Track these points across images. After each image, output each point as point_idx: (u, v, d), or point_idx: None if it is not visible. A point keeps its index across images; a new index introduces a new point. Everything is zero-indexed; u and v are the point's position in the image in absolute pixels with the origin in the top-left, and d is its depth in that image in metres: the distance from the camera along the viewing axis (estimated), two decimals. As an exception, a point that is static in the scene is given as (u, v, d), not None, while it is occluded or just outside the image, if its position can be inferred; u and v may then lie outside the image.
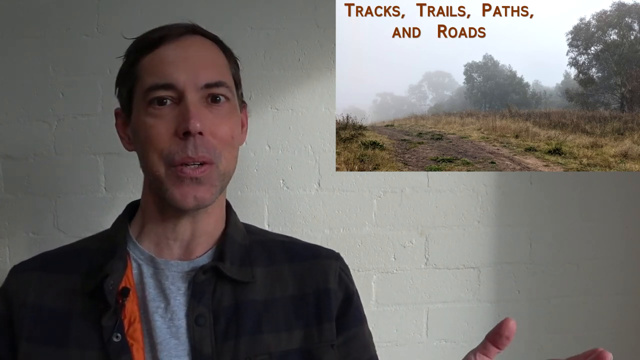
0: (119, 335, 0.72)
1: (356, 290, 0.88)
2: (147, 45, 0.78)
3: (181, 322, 0.75)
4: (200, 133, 0.73)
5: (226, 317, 0.76)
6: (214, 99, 0.76)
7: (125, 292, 0.74)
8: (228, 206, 0.87)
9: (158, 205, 0.79)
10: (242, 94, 0.86)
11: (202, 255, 0.80)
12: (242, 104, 0.87)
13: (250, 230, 0.89)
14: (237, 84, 0.83)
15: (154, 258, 0.78)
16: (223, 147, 0.76)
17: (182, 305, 0.75)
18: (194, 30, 0.80)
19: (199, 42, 0.79)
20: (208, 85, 0.75)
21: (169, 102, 0.74)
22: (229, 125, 0.77)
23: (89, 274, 0.77)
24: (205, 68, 0.76)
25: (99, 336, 0.73)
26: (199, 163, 0.73)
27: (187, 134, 0.72)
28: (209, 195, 0.75)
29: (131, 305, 0.75)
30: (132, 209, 0.86)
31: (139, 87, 0.77)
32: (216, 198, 0.77)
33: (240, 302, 0.78)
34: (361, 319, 0.88)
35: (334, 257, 0.88)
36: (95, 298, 0.74)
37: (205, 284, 0.77)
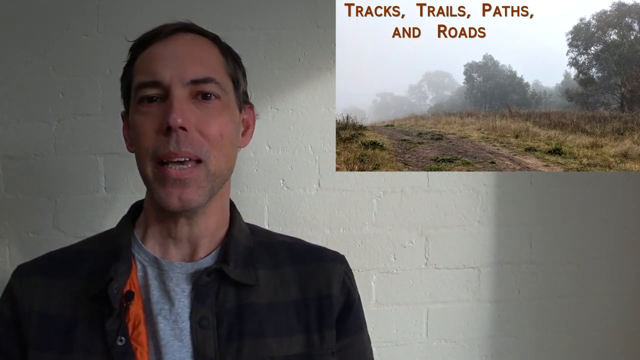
0: (122, 339, 0.72)
1: (358, 296, 0.87)
2: (140, 44, 0.78)
3: (185, 324, 0.74)
4: (184, 129, 0.71)
5: (229, 320, 0.76)
6: (205, 96, 0.75)
7: (129, 295, 0.74)
8: (233, 207, 0.86)
9: (157, 206, 0.78)
10: (245, 93, 0.85)
11: (206, 256, 0.80)
12: (246, 105, 0.85)
13: (254, 231, 0.88)
14: (236, 83, 0.81)
15: (158, 260, 0.78)
16: (211, 145, 0.74)
17: (186, 307, 0.75)
18: (187, 28, 0.79)
19: (189, 39, 0.78)
20: (195, 82, 0.74)
21: (157, 99, 0.74)
22: (218, 124, 0.75)
23: (93, 277, 0.77)
24: (192, 64, 0.75)
25: (103, 340, 0.72)
26: (183, 159, 0.72)
27: (169, 129, 0.71)
28: (196, 196, 0.73)
29: (136, 309, 0.74)
30: (136, 209, 0.85)
31: (132, 86, 0.77)
32: (206, 200, 0.75)
33: (243, 305, 0.77)
34: (360, 326, 0.87)
35: (338, 260, 0.87)
36: (99, 302, 0.74)
37: (209, 286, 0.76)
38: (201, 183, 0.73)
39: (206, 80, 0.75)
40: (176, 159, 0.72)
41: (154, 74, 0.74)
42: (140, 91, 0.74)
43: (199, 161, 0.73)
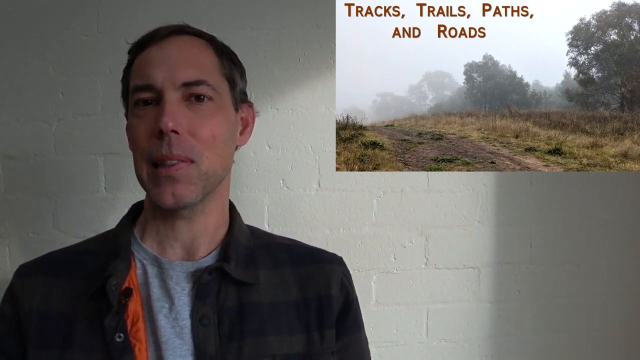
0: (121, 335, 0.72)
1: (356, 297, 0.88)
2: (136, 47, 0.79)
3: (185, 322, 0.75)
4: (176, 132, 0.72)
5: (230, 318, 0.76)
6: (198, 98, 0.76)
7: (128, 292, 0.75)
8: (232, 208, 0.87)
9: (156, 205, 0.79)
10: (242, 92, 0.85)
11: (207, 256, 0.80)
12: (244, 104, 0.85)
13: (254, 232, 0.88)
14: (232, 83, 0.82)
15: (158, 258, 0.79)
16: (203, 146, 0.75)
17: (187, 306, 0.76)
18: (181, 30, 0.80)
19: (183, 42, 0.79)
20: (186, 84, 0.75)
21: (152, 103, 0.75)
22: (210, 125, 0.76)
23: (93, 276, 0.77)
24: (184, 67, 0.75)
25: (102, 337, 0.73)
26: (175, 162, 0.73)
27: (161, 132, 0.72)
28: (188, 192, 0.74)
29: (134, 306, 0.75)
30: (136, 209, 0.86)
31: (129, 88, 0.78)
32: (200, 197, 0.76)
33: (244, 304, 0.78)
34: (359, 326, 0.88)
35: (337, 262, 0.88)
36: (98, 299, 0.75)
37: (210, 285, 0.77)
38: (192, 180, 0.74)
39: (198, 83, 0.75)
40: (169, 162, 0.73)
41: (147, 77, 0.75)
42: (135, 94, 0.76)
43: (191, 162, 0.74)
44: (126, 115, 0.83)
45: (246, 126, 0.86)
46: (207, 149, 0.75)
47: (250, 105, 0.87)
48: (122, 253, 0.78)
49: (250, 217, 1.16)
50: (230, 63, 0.82)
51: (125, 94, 0.81)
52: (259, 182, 1.34)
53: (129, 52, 0.80)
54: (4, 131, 1.28)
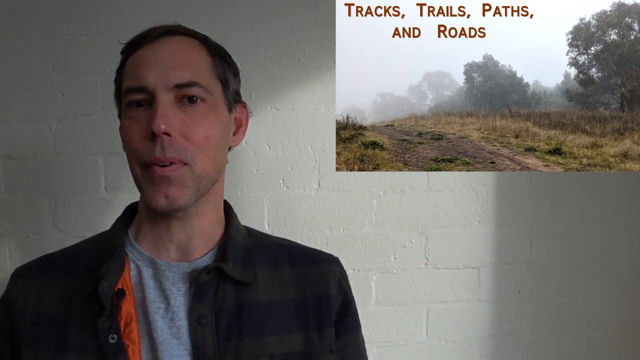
0: (114, 336, 0.72)
1: (353, 297, 0.88)
2: (129, 48, 0.79)
3: (182, 322, 0.75)
4: (168, 134, 0.72)
5: (228, 318, 0.76)
6: (190, 100, 0.75)
7: (120, 293, 0.74)
8: (229, 208, 0.87)
9: (150, 207, 0.78)
10: (236, 93, 0.84)
11: (203, 256, 0.80)
12: (237, 104, 0.84)
13: (250, 233, 0.88)
14: (225, 83, 0.81)
15: (153, 259, 0.78)
16: (196, 149, 0.74)
17: (183, 306, 0.75)
18: (174, 30, 0.79)
19: (175, 43, 0.78)
20: (178, 86, 0.74)
21: (144, 104, 0.74)
22: (203, 127, 0.75)
23: (86, 277, 0.77)
24: (176, 68, 0.75)
25: (95, 339, 0.73)
26: (168, 164, 0.72)
27: (154, 135, 0.72)
28: (181, 194, 0.73)
29: (127, 307, 0.75)
30: (131, 210, 0.86)
31: (122, 90, 0.78)
32: (193, 200, 0.75)
33: (242, 303, 0.78)
34: (357, 326, 0.88)
35: (333, 262, 0.88)
36: (91, 301, 0.74)
37: (208, 285, 0.76)
38: (185, 183, 0.74)
39: (190, 84, 0.75)
40: (161, 164, 0.72)
41: (139, 79, 0.74)
42: (128, 96, 0.75)
43: (185, 164, 0.73)
44: (119, 116, 0.83)
45: (240, 127, 0.85)
46: (201, 151, 0.75)
47: (244, 105, 0.86)
48: (116, 254, 0.77)
49: (250, 217, 1.16)
50: (223, 63, 0.82)
51: (118, 95, 0.80)
52: (259, 182, 1.34)
53: (122, 52, 0.80)
54: (4, 131, 1.28)
